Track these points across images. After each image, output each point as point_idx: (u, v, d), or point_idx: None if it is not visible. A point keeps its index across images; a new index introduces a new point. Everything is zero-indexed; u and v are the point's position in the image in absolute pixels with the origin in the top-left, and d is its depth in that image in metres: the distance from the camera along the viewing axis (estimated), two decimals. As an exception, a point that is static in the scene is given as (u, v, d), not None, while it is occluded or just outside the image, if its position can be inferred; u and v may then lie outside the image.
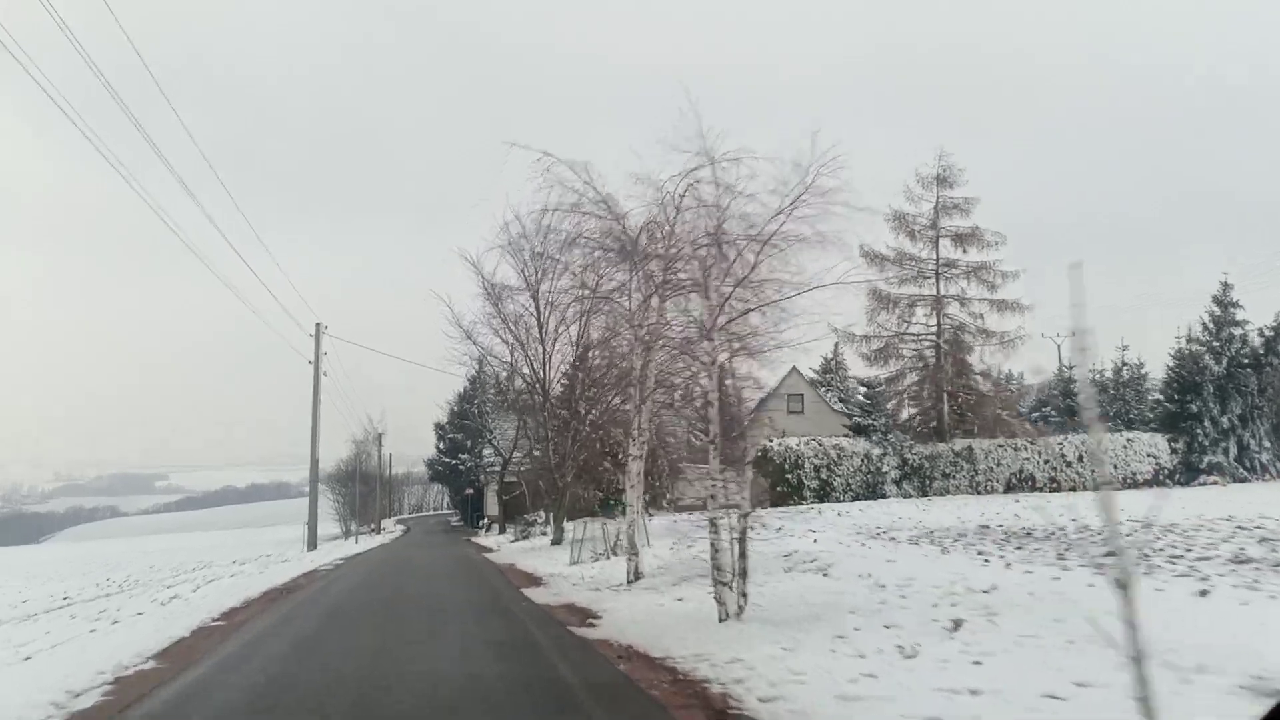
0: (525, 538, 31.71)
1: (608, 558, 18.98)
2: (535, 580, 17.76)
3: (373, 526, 68.18)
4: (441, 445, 72.79)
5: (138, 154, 18.36)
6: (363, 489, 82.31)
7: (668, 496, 41.58)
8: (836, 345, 52.39)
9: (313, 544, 37.13)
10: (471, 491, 65.31)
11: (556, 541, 26.10)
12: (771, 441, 43.24)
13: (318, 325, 38.42)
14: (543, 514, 32.42)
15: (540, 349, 26.29)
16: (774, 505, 40.51)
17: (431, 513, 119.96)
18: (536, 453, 44.19)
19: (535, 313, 25.84)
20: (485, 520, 49.87)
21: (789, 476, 42.34)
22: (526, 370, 26.76)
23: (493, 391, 52.16)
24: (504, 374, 29.20)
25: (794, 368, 50.61)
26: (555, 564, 19.84)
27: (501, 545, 30.91)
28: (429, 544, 41.76)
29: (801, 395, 51.01)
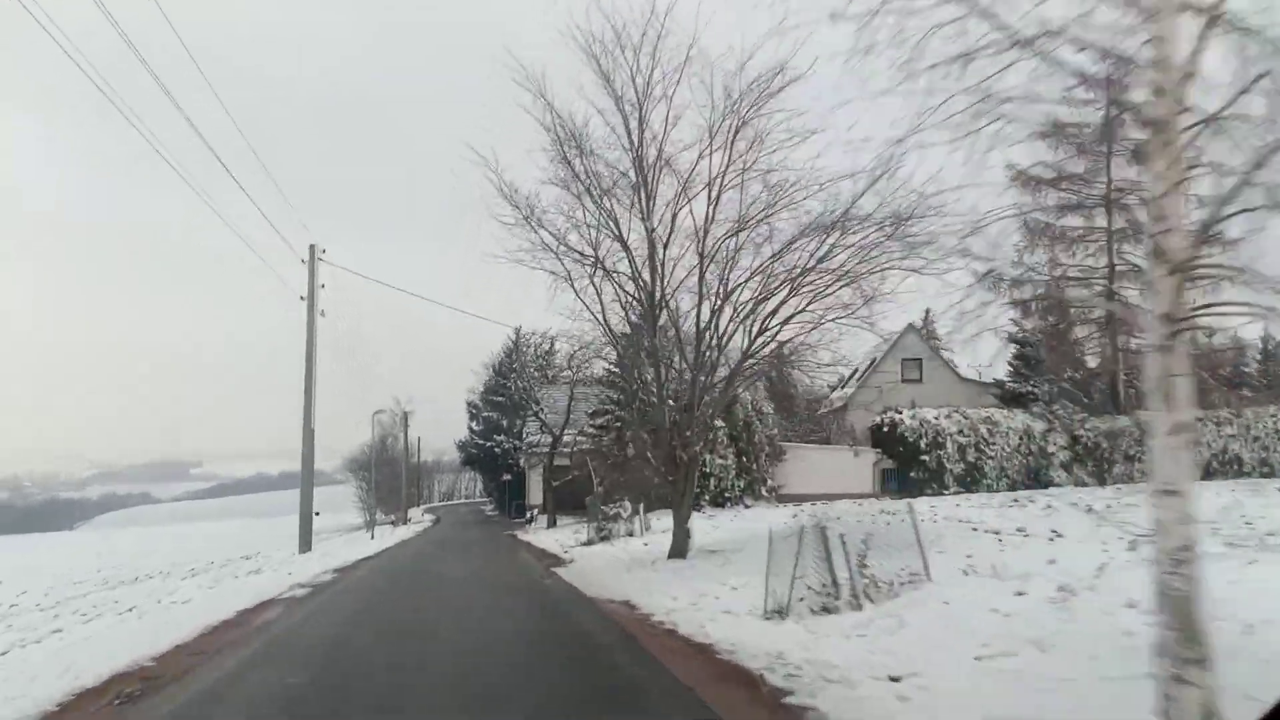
0: (604, 538, 22.22)
1: (864, 600, 9.58)
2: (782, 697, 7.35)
3: (396, 517, 59.42)
4: (475, 425, 63.85)
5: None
6: (388, 475, 73.97)
7: (768, 483, 32.26)
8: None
9: (306, 544, 28.16)
10: (509, 477, 56.18)
11: (679, 553, 16.21)
12: (901, 413, 33.67)
13: (311, 248, 29.35)
14: (627, 504, 23.03)
15: (646, 232, 15.67)
16: (902, 492, 31.03)
17: (463, 500, 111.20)
18: (613, 421, 35.41)
19: (639, 172, 15.44)
20: (531, 511, 40.62)
21: (925, 458, 32.71)
22: (626, 271, 15.85)
23: (533, 362, 42.92)
24: (586, 277, 16.34)
25: (910, 325, 40.85)
26: (750, 616, 9.87)
27: (569, 549, 21.58)
28: (463, 543, 32.61)
29: (919, 360, 41.15)
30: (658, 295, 15.81)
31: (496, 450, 59.48)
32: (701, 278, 15.21)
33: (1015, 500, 21.97)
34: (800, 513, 23.40)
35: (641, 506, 23.16)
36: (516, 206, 15.88)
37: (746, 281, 14.84)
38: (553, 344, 42.94)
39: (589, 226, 15.84)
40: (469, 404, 64.11)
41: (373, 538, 39.60)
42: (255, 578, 18.57)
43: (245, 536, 59.93)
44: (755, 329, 15.06)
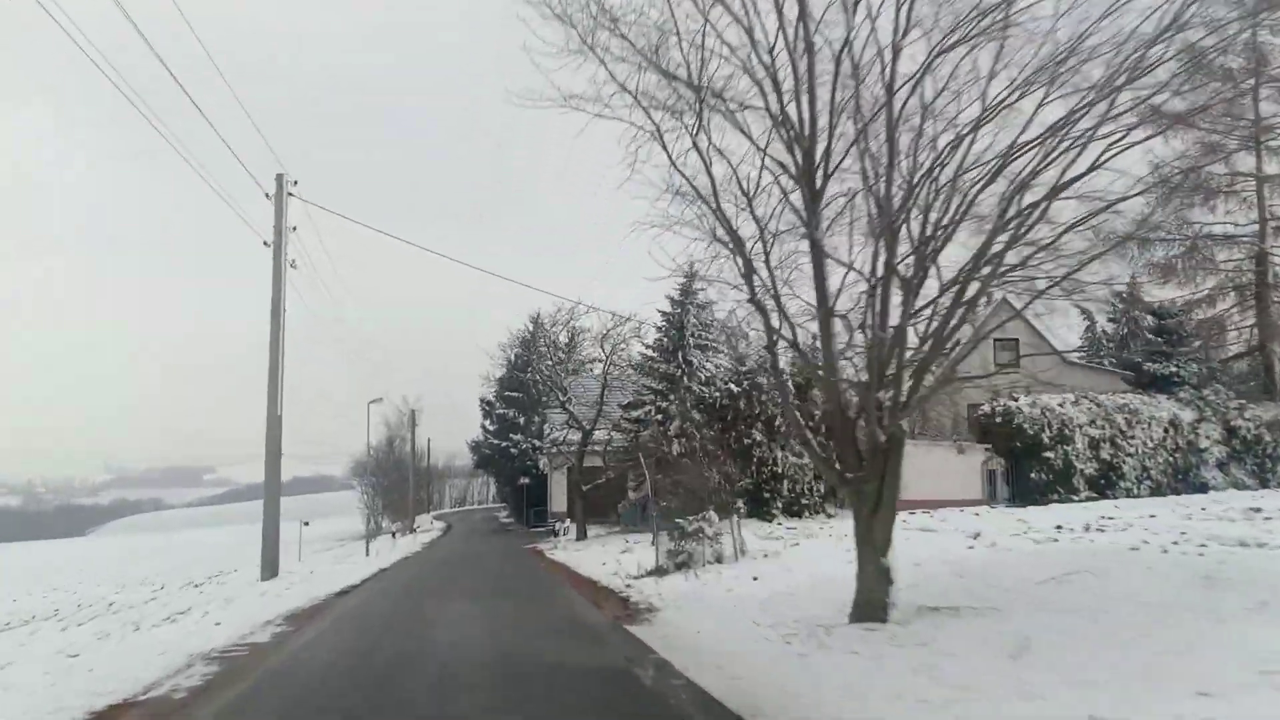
0: (682, 566, 15.45)
1: None
2: None
3: (398, 528, 53.38)
4: (488, 424, 57.73)
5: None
6: (396, 479, 67.90)
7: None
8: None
9: (271, 568, 22.00)
10: (527, 480, 50.03)
11: (873, 612, 8.92)
12: (1017, 401, 27.25)
13: (279, 179, 23.23)
14: (713, 515, 16.57)
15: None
16: (1024, 500, 24.71)
17: (476, 506, 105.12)
18: (654, 412, 29.17)
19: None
20: (563, 523, 34.35)
21: (1049, 455, 26.33)
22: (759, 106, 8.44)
23: (550, 354, 36.90)
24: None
25: (1003, 297, 34.23)
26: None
27: (631, 581, 15.25)
28: (477, 563, 26.51)
29: (1014, 341, 34.68)
30: (820, 148, 8.89)
31: (513, 451, 53.41)
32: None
33: (1258, 510, 15.58)
34: (908, 525, 17.12)
35: (735, 521, 16.83)
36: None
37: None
38: (573, 337, 36.72)
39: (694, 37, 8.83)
40: (482, 401, 58.04)
41: (369, 554, 33.62)
42: (159, 633, 12.47)
43: (237, 547, 53.90)
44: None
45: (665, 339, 32.80)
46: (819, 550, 16.00)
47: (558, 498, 41.36)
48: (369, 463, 76.53)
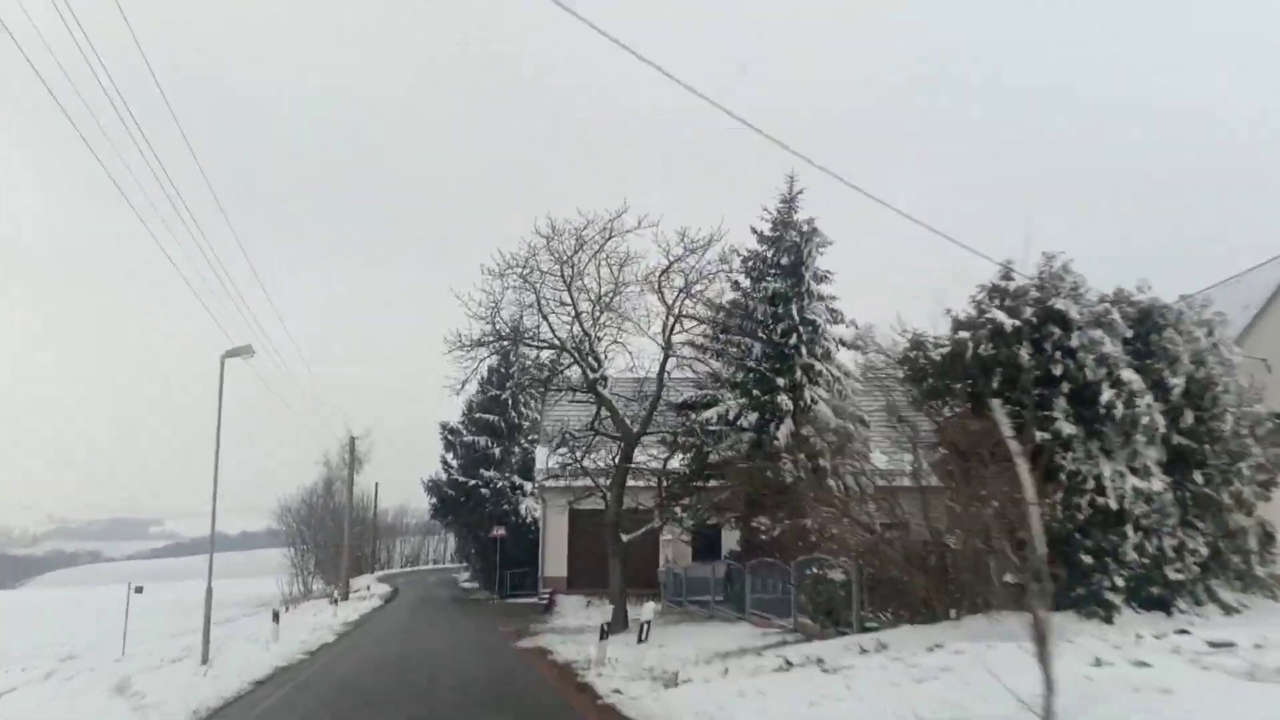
0: None
1: None
2: None
3: (336, 591, 39.03)
4: (452, 457, 43.84)
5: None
6: (331, 529, 53.53)
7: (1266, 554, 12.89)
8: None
9: None
10: (503, 532, 36.39)
11: None
12: None
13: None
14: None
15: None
16: None
17: (431, 566, 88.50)
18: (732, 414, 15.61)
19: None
20: (557, 596, 20.65)
21: None
22: None
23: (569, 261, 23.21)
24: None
25: None
26: None
27: None
28: (426, 685, 13.13)
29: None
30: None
31: (484, 491, 39.84)
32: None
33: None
34: None
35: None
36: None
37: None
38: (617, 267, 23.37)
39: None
40: (444, 428, 44.17)
41: (272, 641, 19.72)
42: None
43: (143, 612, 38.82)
44: None
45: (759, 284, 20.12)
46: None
47: (554, 554, 27.97)
48: (297, 508, 61.85)
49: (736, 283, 20.63)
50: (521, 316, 20.20)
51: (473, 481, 40.39)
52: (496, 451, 40.63)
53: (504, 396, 40.95)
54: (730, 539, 22.18)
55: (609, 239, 19.03)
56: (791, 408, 18.65)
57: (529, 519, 36.48)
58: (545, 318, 19.97)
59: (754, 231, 20.90)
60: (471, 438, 41.24)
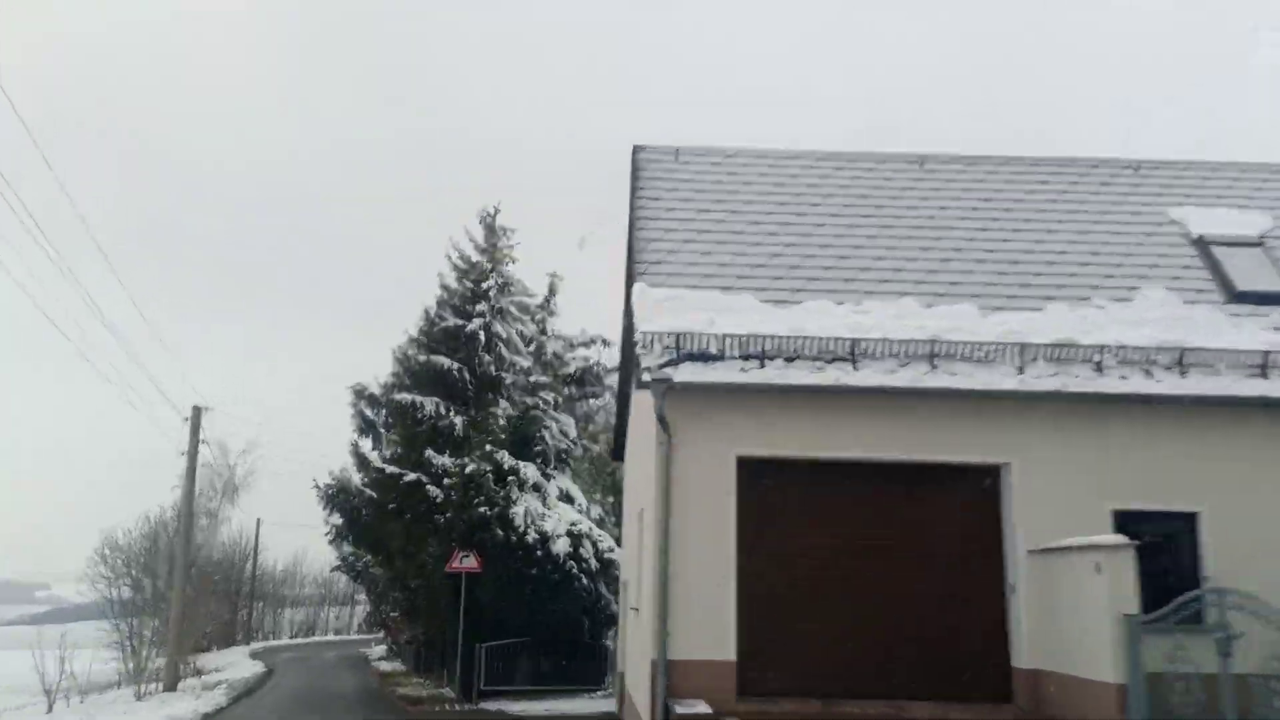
0: None
1: None
2: None
3: (159, 678, 20.77)
4: (372, 443, 26.27)
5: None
6: (195, 577, 34.45)
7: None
8: None
9: None
10: (475, 564, 19.31)
11: None
12: None
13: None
14: None
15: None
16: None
17: (333, 637, 65.65)
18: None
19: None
20: None
21: None
22: None
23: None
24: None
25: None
26: None
27: None
28: None
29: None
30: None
31: (432, 489, 22.45)
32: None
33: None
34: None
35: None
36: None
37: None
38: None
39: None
40: (359, 398, 26.44)
41: None
42: None
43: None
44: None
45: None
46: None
47: (690, 594, 10.72)
48: (135, 550, 41.66)
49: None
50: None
51: (411, 475, 22.89)
52: (455, 420, 23.43)
53: (470, 327, 23.96)
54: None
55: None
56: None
57: (547, 527, 19.66)
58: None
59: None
60: (412, 397, 23.78)
